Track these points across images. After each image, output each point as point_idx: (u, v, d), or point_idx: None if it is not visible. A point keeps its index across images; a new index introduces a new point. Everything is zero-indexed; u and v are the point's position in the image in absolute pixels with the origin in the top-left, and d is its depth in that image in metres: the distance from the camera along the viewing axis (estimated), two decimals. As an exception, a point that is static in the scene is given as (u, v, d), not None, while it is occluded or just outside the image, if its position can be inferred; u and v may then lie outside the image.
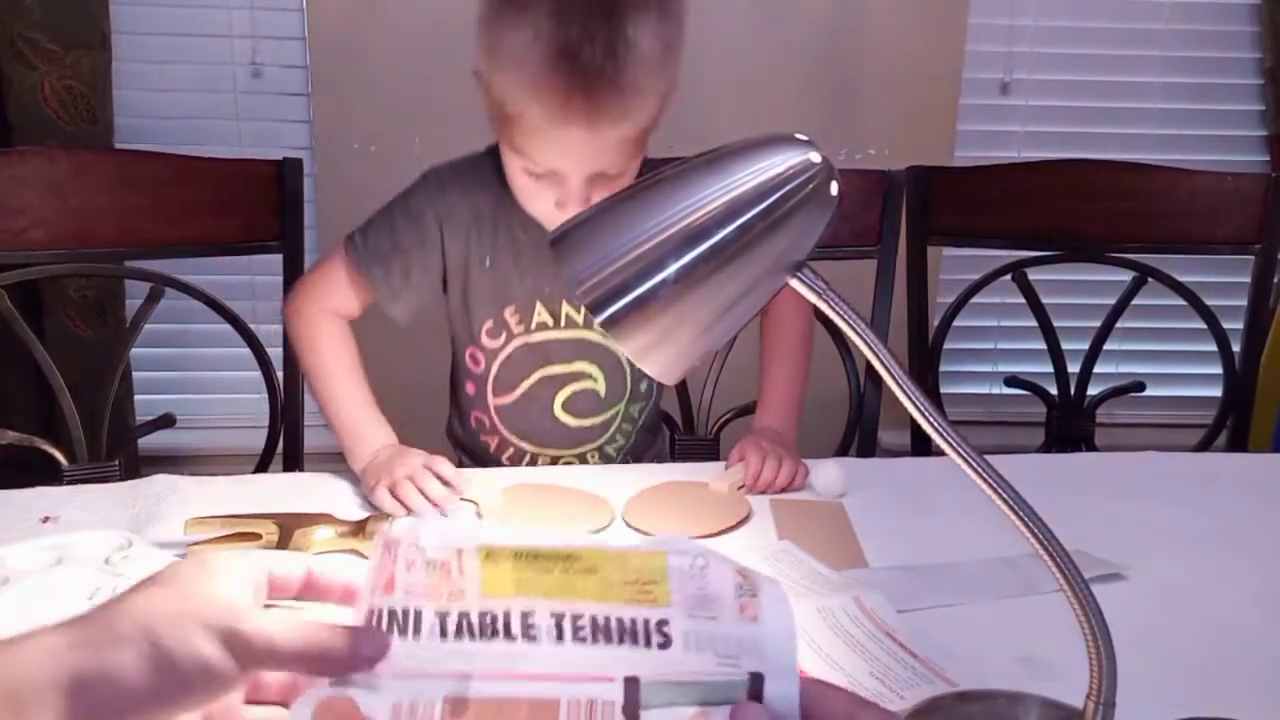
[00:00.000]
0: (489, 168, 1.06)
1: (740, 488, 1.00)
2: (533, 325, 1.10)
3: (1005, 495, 0.48)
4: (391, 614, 0.45)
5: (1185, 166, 1.43)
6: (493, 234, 1.09)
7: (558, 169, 0.97)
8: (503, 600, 0.44)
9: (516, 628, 0.44)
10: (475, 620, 0.44)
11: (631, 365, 1.12)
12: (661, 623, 0.44)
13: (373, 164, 1.99)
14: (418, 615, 0.44)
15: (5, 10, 1.78)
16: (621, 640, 0.44)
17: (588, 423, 1.15)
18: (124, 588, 0.71)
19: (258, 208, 1.28)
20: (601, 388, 1.13)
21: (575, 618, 0.44)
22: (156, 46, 2.00)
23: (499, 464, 1.16)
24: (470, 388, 1.14)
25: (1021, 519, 0.48)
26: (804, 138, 0.53)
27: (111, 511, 0.91)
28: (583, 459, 1.16)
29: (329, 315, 1.10)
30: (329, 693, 0.43)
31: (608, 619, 0.44)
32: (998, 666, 0.70)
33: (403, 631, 0.44)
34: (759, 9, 2.03)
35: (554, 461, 1.16)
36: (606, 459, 1.17)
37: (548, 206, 1.00)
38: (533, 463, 1.16)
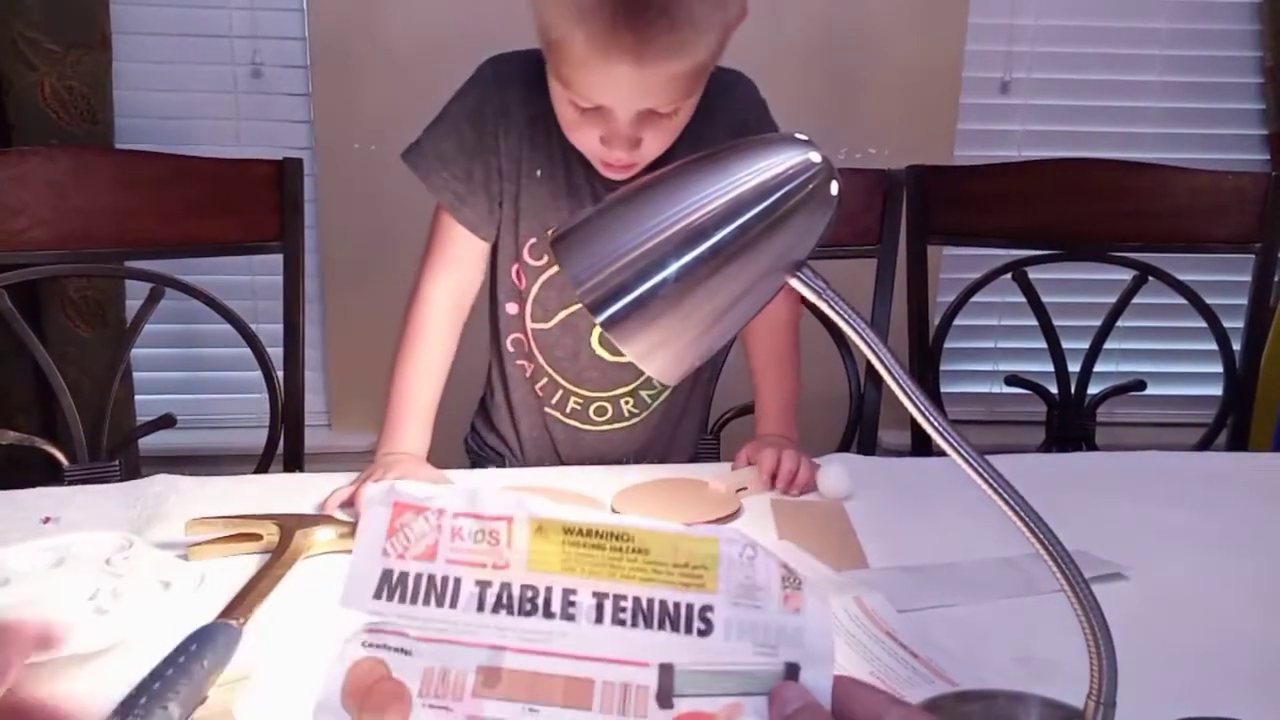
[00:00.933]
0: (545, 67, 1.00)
1: (740, 490, 0.99)
2: None
3: (1006, 495, 0.48)
4: (430, 580, 0.44)
5: (1185, 165, 1.43)
6: (546, 141, 1.03)
7: (603, 104, 0.92)
8: (547, 576, 0.45)
9: (557, 605, 0.44)
10: (516, 594, 0.44)
11: None
12: (705, 608, 0.44)
13: (373, 164, 1.99)
14: (456, 584, 0.44)
15: (5, 10, 1.78)
16: (662, 625, 0.44)
17: (623, 361, 1.11)
18: (124, 589, 0.72)
19: (258, 208, 1.28)
20: None
21: (618, 599, 0.44)
22: (157, 46, 2.00)
23: (535, 395, 1.14)
24: (513, 307, 1.12)
25: (1022, 519, 0.48)
26: (804, 137, 0.53)
27: (112, 512, 0.91)
28: (616, 404, 1.14)
29: (435, 310, 1.07)
30: (361, 655, 0.43)
31: (650, 602, 0.44)
32: (998, 666, 0.70)
33: (439, 601, 0.44)
34: (759, 9, 2.02)
35: (586, 405, 1.13)
36: (642, 405, 1.15)
37: (593, 141, 0.96)
38: (564, 401, 1.14)
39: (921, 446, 1.39)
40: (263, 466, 1.28)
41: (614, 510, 0.93)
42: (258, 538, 0.84)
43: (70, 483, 1.13)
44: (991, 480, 0.48)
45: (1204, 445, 1.41)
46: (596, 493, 0.97)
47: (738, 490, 0.99)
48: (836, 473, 0.99)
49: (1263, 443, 1.88)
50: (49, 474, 1.16)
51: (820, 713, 0.42)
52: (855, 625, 0.73)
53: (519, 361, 1.15)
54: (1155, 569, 0.84)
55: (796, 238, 0.52)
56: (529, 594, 0.44)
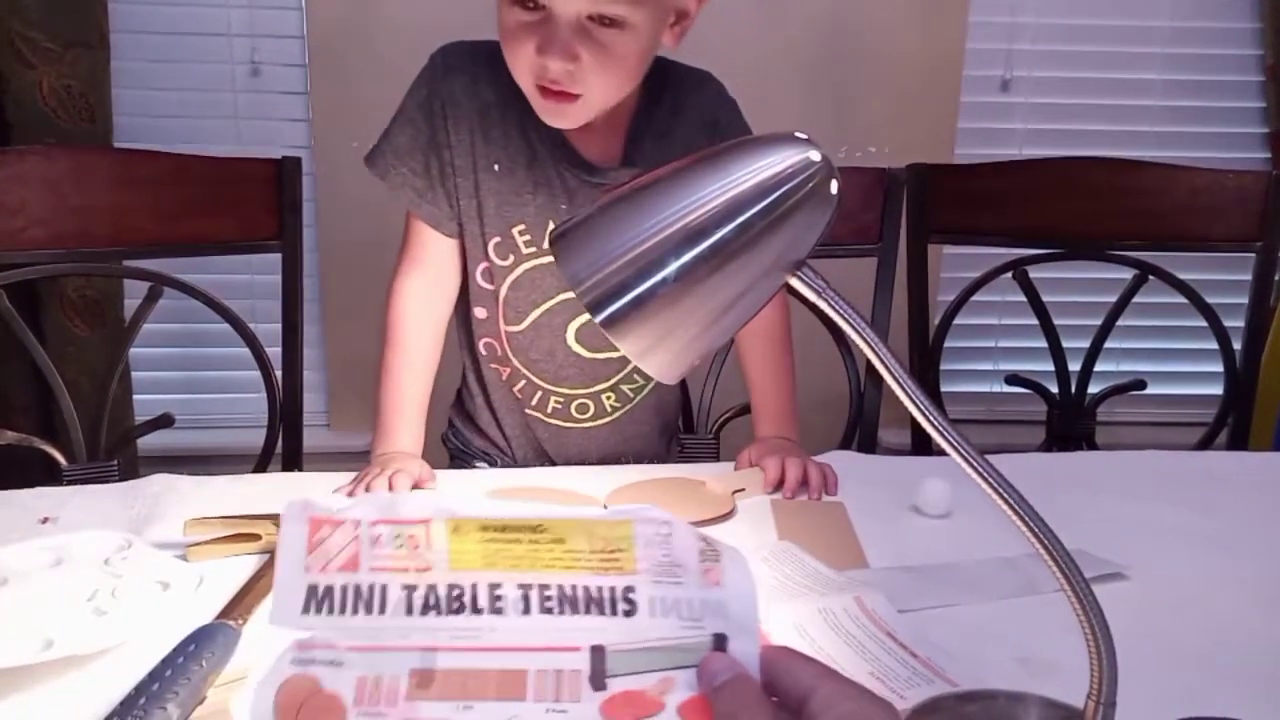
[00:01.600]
0: (498, 53, 0.97)
1: (738, 491, 0.99)
2: (545, 245, 1.04)
3: (1006, 495, 0.48)
4: (357, 590, 0.45)
5: (1186, 164, 1.42)
6: (503, 133, 1.01)
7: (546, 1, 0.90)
8: (470, 574, 0.45)
9: (484, 601, 0.45)
10: (443, 594, 0.45)
11: None
12: (628, 589, 0.45)
13: (372, 163, 1.98)
14: (383, 590, 0.45)
15: (4, 8, 1.77)
16: (588, 610, 0.44)
17: (602, 356, 1.10)
18: (123, 589, 0.72)
19: (256, 207, 1.28)
20: None
21: (543, 588, 0.45)
22: (155, 45, 2.00)
23: (515, 397, 1.13)
24: (481, 311, 1.10)
25: (1022, 518, 0.48)
26: (804, 136, 0.53)
27: (111, 512, 0.91)
28: (598, 400, 1.13)
29: (410, 311, 1.07)
30: (291, 671, 0.43)
31: (574, 588, 0.45)
32: (998, 666, 0.70)
33: (368, 609, 0.44)
34: (759, 9, 2.02)
35: (568, 403, 1.12)
36: (624, 399, 1.14)
37: (529, 55, 0.92)
38: (544, 402, 1.12)
39: (921, 446, 1.39)
40: (261, 466, 1.28)
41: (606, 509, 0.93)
42: (256, 538, 0.84)
43: (68, 482, 1.13)
44: (991, 480, 0.48)
45: (1204, 445, 1.41)
46: (591, 492, 0.97)
47: (735, 492, 0.99)
48: (939, 490, 0.94)
49: (1263, 442, 1.88)
50: (47, 474, 1.16)
51: (749, 683, 0.42)
52: (855, 625, 0.73)
53: (493, 365, 1.14)
54: (1155, 569, 0.84)
55: (796, 237, 0.52)
56: (455, 592, 0.45)
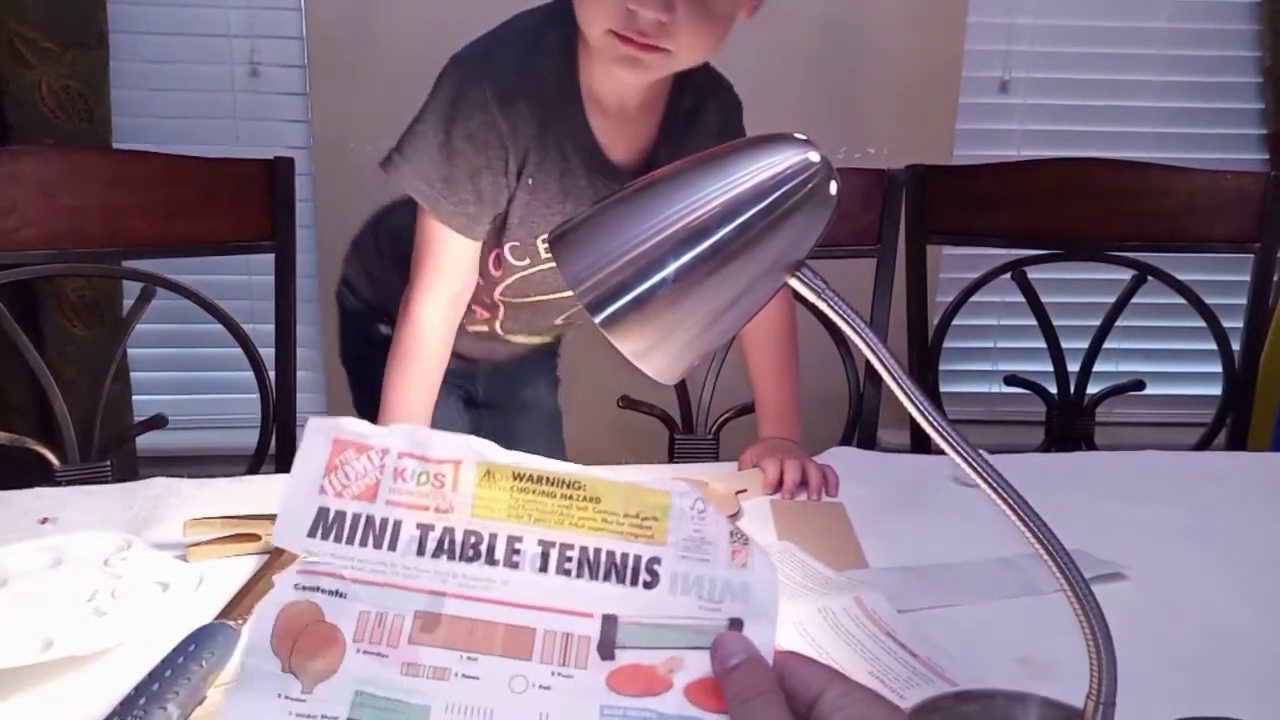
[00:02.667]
0: (539, 64, 0.95)
1: (740, 491, 0.99)
2: None
3: (1005, 495, 0.48)
4: (369, 521, 0.43)
5: (1184, 165, 1.43)
6: (540, 147, 0.99)
7: None
8: (491, 523, 0.44)
9: (500, 552, 0.44)
10: (459, 539, 0.44)
11: None
12: (653, 561, 0.44)
13: (371, 163, 1.98)
14: (396, 526, 0.44)
15: (3, 8, 1.78)
16: (608, 577, 0.44)
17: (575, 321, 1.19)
18: (123, 589, 0.72)
19: (250, 207, 1.28)
20: None
21: (564, 548, 0.44)
22: (154, 45, 2.00)
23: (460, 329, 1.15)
24: (481, 280, 1.09)
25: (1022, 518, 0.48)
26: (803, 137, 0.53)
27: (110, 512, 0.91)
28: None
29: (432, 328, 1.03)
30: (293, 597, 0.42)
31: (597, 552, 0.44)
32: (998, 666, 0.70)
33: (377, 543, 0.43)
34: (759, 9, 2.02)
35: (511, 344, 1.22)
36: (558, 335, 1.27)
37: (616, 6, 0.85)
38: (492, 350, 1.22)
39: (921, 446, 1.39)
40: (254, 467, 1.28)
41: None
42: (256, 538, 0.84)
43: (62, 483, 1.13)
44: (991, 480, 0.48)
45: (1203, 445, 1.41)
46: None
47: (738, 492, 0.99)
48: None
49: (1262, 442, 1.88)
50: (44, 475, 1.16)
51: (763, 667, 0.42)
52: (855, 625, 0.73)
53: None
54: (1155, 569, 0.84)
55: (796, 237, 0.52)
56: (472, 540, 0.44)
